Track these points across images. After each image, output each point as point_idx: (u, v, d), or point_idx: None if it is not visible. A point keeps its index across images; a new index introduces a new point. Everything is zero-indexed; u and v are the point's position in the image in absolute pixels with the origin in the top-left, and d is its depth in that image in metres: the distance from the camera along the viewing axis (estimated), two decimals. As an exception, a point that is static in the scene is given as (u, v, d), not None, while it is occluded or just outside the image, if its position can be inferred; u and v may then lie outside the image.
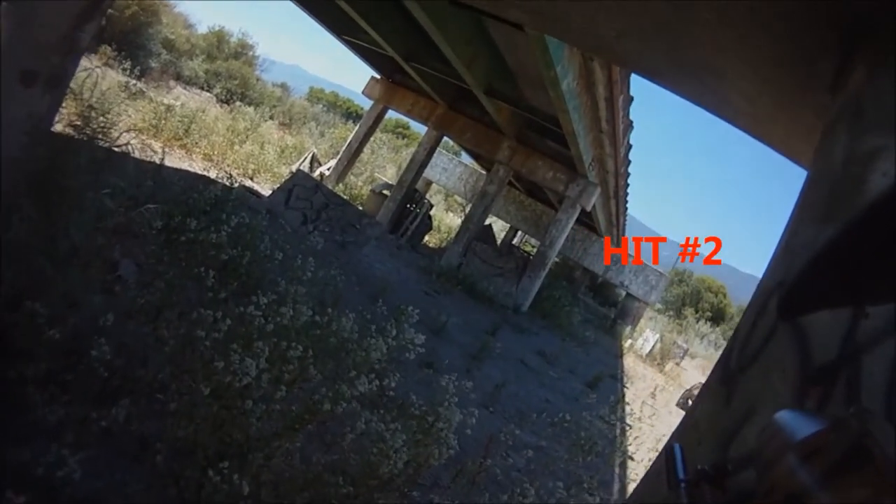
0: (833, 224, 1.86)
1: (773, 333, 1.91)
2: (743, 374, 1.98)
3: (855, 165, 1.90)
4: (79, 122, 7.12)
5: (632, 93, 13.44)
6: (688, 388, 20.39)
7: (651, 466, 3.03)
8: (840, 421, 0.97)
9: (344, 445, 4.32)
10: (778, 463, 1.02)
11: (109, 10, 20.99)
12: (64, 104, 6.08)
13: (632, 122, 15.38)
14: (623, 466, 9.18)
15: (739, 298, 68.32)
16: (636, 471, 9.41)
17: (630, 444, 10.66)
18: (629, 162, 19.14)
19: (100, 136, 7.44)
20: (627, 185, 22.44)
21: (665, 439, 11.81)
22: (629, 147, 17.39)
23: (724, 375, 2.14)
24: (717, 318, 57.77)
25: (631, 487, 8.54)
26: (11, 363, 3.67)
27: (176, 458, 3.75)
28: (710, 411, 2.11)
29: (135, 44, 22.62)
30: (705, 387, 2.36)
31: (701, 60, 3.07)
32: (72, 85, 5.93)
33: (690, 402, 18.13)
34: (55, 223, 4.70)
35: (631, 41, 3.35)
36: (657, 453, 10.42)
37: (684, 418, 2.47)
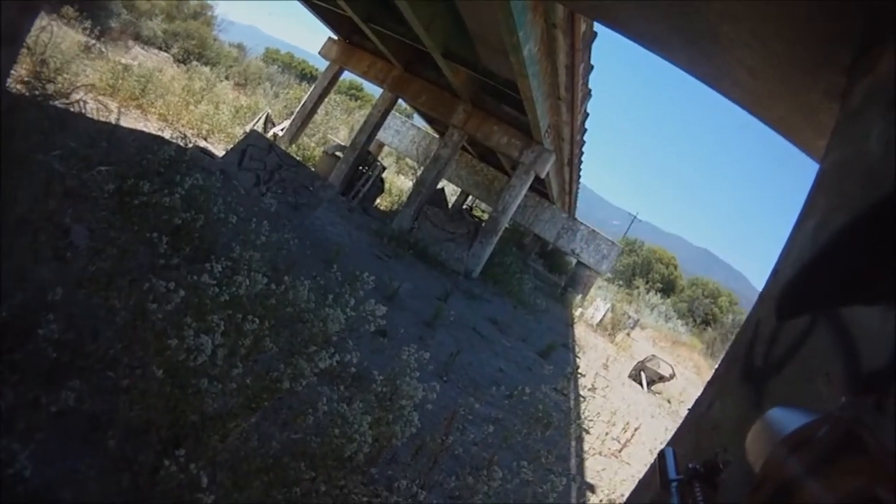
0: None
1: (809, 332, 1.77)
2: (776, 375, 1.83)
3: (897, 152, 1.74)
4: (32, 80, 6.82)
5: (592, 61, 13.30)
6: (640, 359, 20.63)
7: (644, 473, 2.92)
8: (832, 412, 0.94)
9: (304, 426, 4.15)
10: (768, 456, 0.98)
11: None
12: (19, 62, 5.82)
13: (590, 90, 15.28)
14: (579, 440, 9.17)
15: (690, 271, 69.56)
16: (592, 444, 9.39)
17: (588, 416, 10.65)
18: (585, 130, 19.10)
19: (54, 95, 7.16)
20: (582, 153, 22.45)
21: (619, 412, 11.95)
22: (586, 115, 17.34)
23: (748, 373, 1.99)
24: (667, 289, 58.97)
25: (588, 463, 8.54)
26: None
27: (129, 439, 3.57)
28: (735, 414, 1.96)
29: (96, 4, 22.40)
30: (720, 382, 2.20)
31: (705, 28, 2.90)
32: (27, 42, 5.67)
33: (643, 374, 18.44)
34: (1, 188, 4.43)
35: (631, 4, 3.17)
36: (612, 426, 10.53)
37: (691, 416, 2.33)
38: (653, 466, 1.51)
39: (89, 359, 3.98)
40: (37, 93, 6.62)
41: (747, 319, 2.27)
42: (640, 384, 19.16)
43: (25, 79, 6.94)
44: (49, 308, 3.75)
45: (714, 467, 1.30)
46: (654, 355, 20.88)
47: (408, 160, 42.01)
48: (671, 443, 2.27)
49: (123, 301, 4.33)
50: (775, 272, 2.17)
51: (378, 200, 24.72)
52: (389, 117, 28.01)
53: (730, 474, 1.30)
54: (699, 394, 2.52)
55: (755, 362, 1.97)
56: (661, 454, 1.45)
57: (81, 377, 3.69)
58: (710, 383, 2.35)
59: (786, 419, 1.03)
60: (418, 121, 36.43)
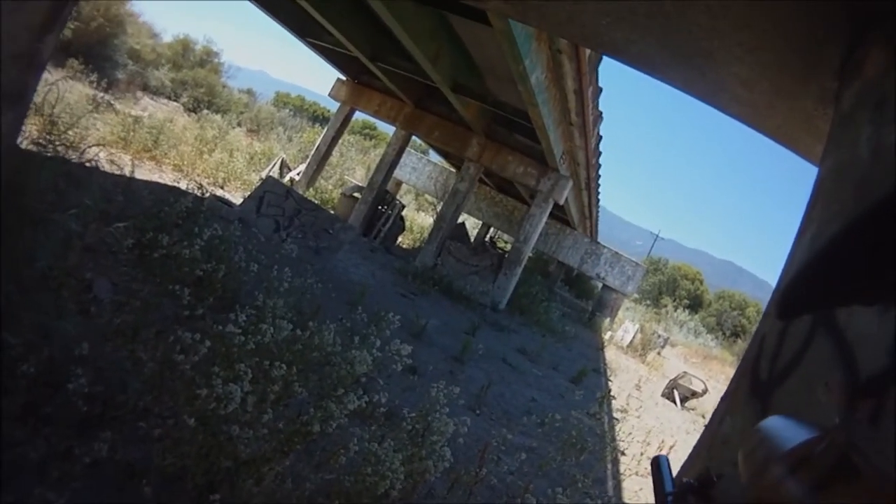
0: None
1: (809, 342, 1.78)
2: (779, 388, 1.85)
3: (885, 156, 1.77)
4: (42, 139, 6.94)
5: (600, 84, 13.34)
6: (672, 377, 20.46)
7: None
8: (828, 432, 0.95)
9: (336, 466, 4.18)
10: (765, 473, 0.99)
11: (75, 23, 20.97)
12: (28, 120, 5.93)
13: (601, 112, 15.31)
14: (615, 462, 9.11)
15: (715, 285, 69.05)
16: (628, 466, 9.32)
17: (620, 439, 10.58)
18: (600, 153, 19.10)
19: (65, 151, 7.27)
20: (599, 176, 22.44)
21: (655, 431, 11.85)
22: (599, 138, 17.33)
23: (755, 387, 2.00)
24: (694, 305, 58.61)
25: (625, 484, 8.48)
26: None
27: (164, 486, 3.62)
28: (744, 428, 1.97)
29: (101, 55, 22.81)
30: (732, 398, 2.22)
31: (697, 46, 2.94)
32: (36, 100, 5.77)
33: (675, 392, 18.25)
34: (21, 248, 4.52)
35: (621, 29, 3.22)
36: (647, 446, 10.44)
37: (707, 432, 2.35)
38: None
39: (120, 410, 4.04)
40: (48, 152, 6.73)
41: (754, 335, 2.28)
42: (674, 402, 18.96)
43: (36, 138, 7.05)
44: (77, 362, 3.84)
45: (707, 481, 1.31)
46: (685, 372, 20.67)
47: (427, 196, 42.12)
48: (688, 460, 2.28)
49: (150, 353, 4.39)
50: (778, 285, 2.19)
51: (400, 239, 24.74)
52: (405, 155, 28.16)
53: (724, 488, 1.32)
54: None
55: (761, 376, 1.98)
56: (656, 461, 1.47)
57: (113, 428, 3.75)
58: (722, 399, 2.36)
59: (783, 432, 1.04)
60: (434, 156, 36.56)
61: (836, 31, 2.28)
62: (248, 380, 3.86)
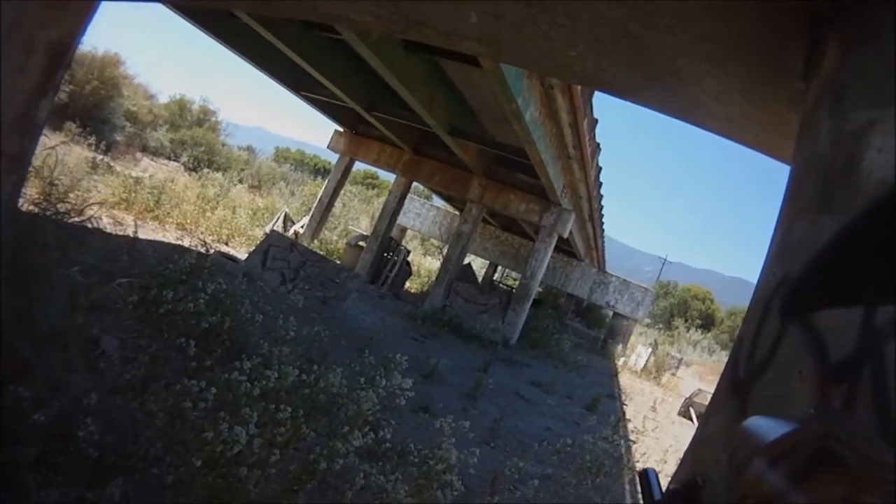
0: (831, 213, 1.78)
1: (782, 336, 1.82)
2: (756, 383, 1.88)
3: (844, 146, 1.83)
4: (42, 202, 7.04)
5: (595, 115, 13.45)
6: (687, 396, 20.38)
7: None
8: (806, 423, 0.98)
9: (346, 502, 4.21)
10: (747, 469, 0.99)
11: (70, 87, 21.23)
12: (28, 183, 6.01)
13: (598, 143, 15.41)
14: (633, 483, 9.05)
15: (727, 302, 68.77)
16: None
17: (637, 460, 10.51)
18: (601, 184, 19.18)
19: (67, 212, 7.36)
20: (602, 206, 22.51)
21: (671, 450, 11.77)
22: (599, 169, 17.42)
23: (734, 386, 2.04)
24: (707, 324, 58.48)
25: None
26: (1, 448, 3.55)
27: None
28: (723, 426, 2.00)
29: (98, 118, 23.10)
30: (715, 399, 2.25)
31: (664, 66, 3.01)
32: (35, 163, 5.86)
33: (692, 409, 18.12)
34: (29, 306, 4.59)
35: (590, 57, 3.29)
36: (664, 464, 10.36)
37: (696, 434, 2.38)
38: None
39: (131, 459, 4.06)
40: (48, 212, 6.81)
41: (735, 340, 2.32)
42: (691, 419, 18.84)
43: (36, 200, 7.13)
44: (86, 412, 3.88)
45: (694, 487, 1.32)
46: (700, 389, 20.55)
47: (433, 241, 42.21)
48: (679, 466, 2.31)
49: (160, 404, 4.43)
50: (756, 285, 2.23)
51: (407, 284, 24.76)
52: (408, 201, 28.24)
53: (710, 489, 1.35)
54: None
55: (739, 374, 2.01)
56: (644, 474, 1.46)
57: (125, 476, 3.78)
58: (709, 404, 2.40)
59: (764, 428, 1.04)
60: (437, 201, 36.70)
61: (795, 36, 2.35)
62: (252, 422, 3.90)
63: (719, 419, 2.09)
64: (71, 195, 9.47)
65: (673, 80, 3.10)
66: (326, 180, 25.04)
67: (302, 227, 23.05)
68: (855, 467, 0.84)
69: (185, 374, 5.11)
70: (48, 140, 11.17)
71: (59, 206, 7.22)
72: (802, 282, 1.84)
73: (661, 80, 3.19)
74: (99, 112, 23.28)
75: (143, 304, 6.49)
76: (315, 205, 23.68)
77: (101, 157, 18.96)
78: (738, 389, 2.00)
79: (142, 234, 11.13)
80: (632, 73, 3.32)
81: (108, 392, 4.65)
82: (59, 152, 10.20)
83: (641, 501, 1.42)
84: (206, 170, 28.41)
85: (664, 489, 1.41)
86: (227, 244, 17.41)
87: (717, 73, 2.85)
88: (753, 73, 2.73)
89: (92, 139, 20.45)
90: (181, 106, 36.12)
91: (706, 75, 2.91)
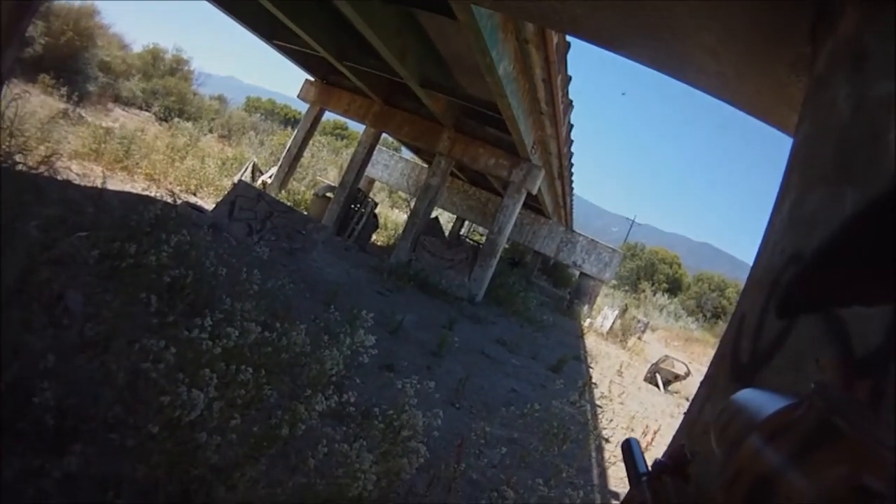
0: (851, 184, 1.62)
1: (794, 320, 1.67)
2: (765, 368, 1.73)
3: (868, 115, 1.66)
4: (3, 154, 6.81)
5: (570, 72, 13.28)
6: (653, 361, 20.57)
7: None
8: (806, 397, 0.90)
9: (308, 469, 4.07)
10: (742, 445, 0.94)
11: (45, 38, 20.88)
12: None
13: (572, 101, 15.26)
14: (599, 450, 9.05)
15: (694, 267, 69.61)
16: (613, 453, 9.25)
17: (604, 427, 10.53)
18: (572, 141, 19.08)
19: (35, 165, 7.14)
20: (572, 164, 22.44)
21: (638, 416, 11.83)
22: (571, 127, 17.30)
23: (736, 370, 1.89)
24: (673, 288, 59.25)
25: (610, 471, 8.41)
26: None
27: (137, 498, 3.53)
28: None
29: (72, 69, 22.98)
30: (710, 385, 2.10)
31: (661, 19, 2.83)
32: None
33: (658, 376, 18.33)
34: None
35: (582, 5, 3.10)
36: (631, 431, 10.39)
37: (686, 420, 2.24)
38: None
39: (92, 423, 3.96)
40: (12, 164, 6.58)
41: (732, 315, 2.18)
42: (657, 386, 19.07)
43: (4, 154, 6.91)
44: (47, 375, 3.77)
45: (682, 459, 1.25)
46: (667, 355, 20.79)
47: (400, 193, 42.09)
48: (667, 450, 2.18)
49: (121, 363, 4.27)
50: (757, 259, 2.09)
51: (374, 237, 24.67)
52: (376, 152, 28.07)
53: (701, 465, 1.24)
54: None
55: (741, 358, 1.88)
56: (627, 444, 1.41)
57: (85, 441, 3.68)
58: (701, 385, 2.25)
59: (757, 402, 1.00)
60: (406, 153, 36.48)
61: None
62: (213, 385, 3.75)
63: (719, 406, 1.94)
64: (41, 147, 9.23)
65: (668, 33, 2.93)
66: (296, 130, 24.75)
67: (270, 177, 22.78)
68: (857, 445, 0.79)
69: (148, 330, 4.95)
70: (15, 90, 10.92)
71: (20, 157, 6.99)
72: (820, 263, 1.68)
73: (655, 33, 3.02)
74: (73, 63, 23.00)
75: (108, 258, 6.29)
76: (283, 155, 23.43)
77: (73, 108, 18.53)
78: (740, 374, 1.86)
79: (110, 185, 10.91)
80: (625, 24, 3.14)
81: (70, 350, 4.53)
82: (33, 104, 9.95)
83: (626, 472, 1.38)
84: (176, 119, 28.34)
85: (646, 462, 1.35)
86: (195, 195, 17.16)
87: (715, 27, 2.68)
88: (755, 30, 2.57)
89: (65, 90, 20.15)
90: (154, 55, 35.68)
91: (704, 29, 2.74)
